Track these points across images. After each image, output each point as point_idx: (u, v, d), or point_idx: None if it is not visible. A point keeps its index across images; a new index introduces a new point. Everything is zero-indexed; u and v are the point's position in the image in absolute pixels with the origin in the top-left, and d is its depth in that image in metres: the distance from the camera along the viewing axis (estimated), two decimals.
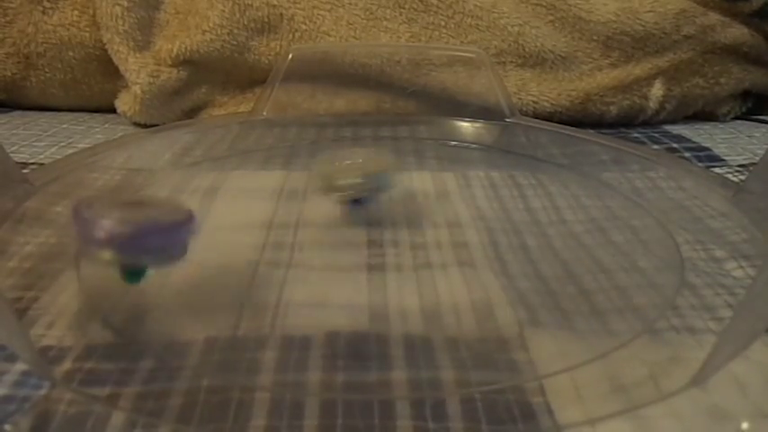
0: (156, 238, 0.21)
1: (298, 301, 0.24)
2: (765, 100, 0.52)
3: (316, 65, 0.46)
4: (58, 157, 0.39)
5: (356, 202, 0.30)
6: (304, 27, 0.46)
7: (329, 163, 0.30)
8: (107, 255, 0.21)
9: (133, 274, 0.22)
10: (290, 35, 0.46)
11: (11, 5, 0.48)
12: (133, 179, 0.34)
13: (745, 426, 0.18)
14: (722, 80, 0.49)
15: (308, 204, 0.33)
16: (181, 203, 0.23)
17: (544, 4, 0.47)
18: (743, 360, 0.19)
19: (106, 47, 0.46)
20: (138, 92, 0.45)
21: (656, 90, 0.48)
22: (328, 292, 0.25)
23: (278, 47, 0.46)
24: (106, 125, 0.47)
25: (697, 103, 0.50)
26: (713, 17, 0.48)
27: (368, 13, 0.46)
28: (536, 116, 0.46)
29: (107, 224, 0.21)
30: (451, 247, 0.28)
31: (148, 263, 0.22)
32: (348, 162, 0.30)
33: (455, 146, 0.42)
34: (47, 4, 0.47)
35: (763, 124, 0.50)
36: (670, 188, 0.35)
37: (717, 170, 0.39)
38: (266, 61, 0.46)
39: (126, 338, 0.22)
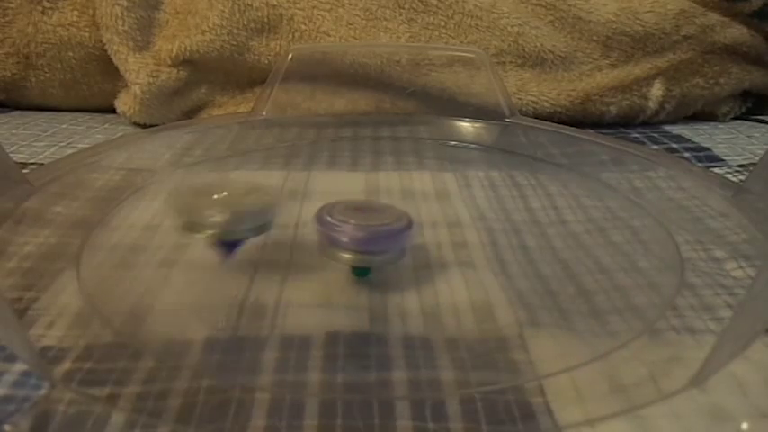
0: (383, 243, 0.24)
1: (298, 301, 0.24)
2: (765, 100, 0.52)
3: (315, 65, 0.46)
4: (58, 157, 0.39)
5: (230, 244, 0.24)
6: (304, 27, 0.46)
7: (192, 194, 0.24)
8: (346, 256, 0.24)
9: (361, 271, 0.25)
10: (290, 35, 0.46)
11: (10, 5, 0.48)
12: (133, 179, 0.34)
13: (744, 426, 0.18)
14: (722, 80, 0.49)
15: (308, 204, 0.33)
16: (401, 210, 0.25)
17: (544, 4, 0.47)
18: (743, 360, 0.19)
19: (106, 47, 0.46)
20: (138, 92, 0.45)
21: (656, 90, 0.48)
22: (328, 293, 0.25)
23: (278, 47, 0.46)
24: (106, 125, 0.47)
25: (697, 103, 0.50)
26: (713, 17, 0.48)
27: (368, 13, 0.46)
28: (536, 116, 0.46)
29: (348, 229, 0.23)
30: (451, 247, 0.28)
31: (374, 264, 0.25)
32: (216, 196, 0.24)
33: (455, 146, 0.42)
34: (46, 5, 0.47)
35: (762, 124, 0.50)
36: (670, 188, 0.35)
37: (716, 170, 0.39)
38: (266, 61, 0.46)
39: (126, 338, 0.22)
